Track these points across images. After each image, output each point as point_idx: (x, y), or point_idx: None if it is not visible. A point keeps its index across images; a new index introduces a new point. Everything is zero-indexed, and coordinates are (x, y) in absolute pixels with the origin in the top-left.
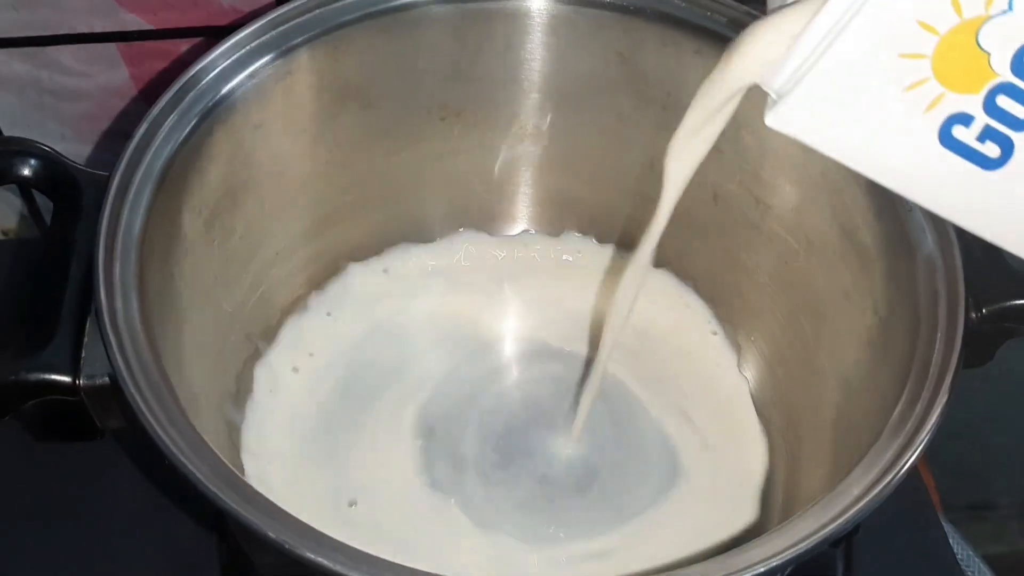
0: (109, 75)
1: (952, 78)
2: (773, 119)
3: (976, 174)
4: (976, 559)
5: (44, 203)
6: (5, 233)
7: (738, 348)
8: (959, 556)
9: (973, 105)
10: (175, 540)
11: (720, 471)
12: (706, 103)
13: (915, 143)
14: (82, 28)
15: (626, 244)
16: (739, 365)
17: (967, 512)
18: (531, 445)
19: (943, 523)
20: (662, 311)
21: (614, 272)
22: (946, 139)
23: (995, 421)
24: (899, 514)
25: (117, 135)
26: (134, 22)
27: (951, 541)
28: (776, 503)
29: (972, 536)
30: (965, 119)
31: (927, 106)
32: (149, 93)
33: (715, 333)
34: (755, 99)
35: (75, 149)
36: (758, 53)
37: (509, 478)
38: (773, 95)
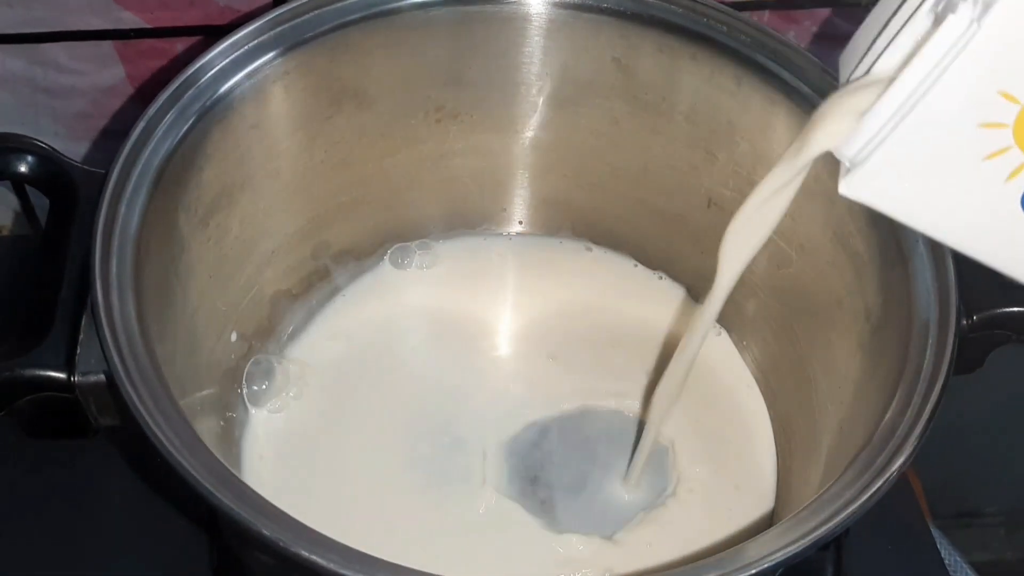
0: (105, 73)
1: None
2: (847, 187)
3: None
4: (964, 565)
5: (38, 199)
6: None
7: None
8: (947, 562)
9: None
10: (167, 540)
11: (724, 474)
12: (783, 174)
13: (996, 211)
14: (78, 25)
15: (620, 247)
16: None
17: (955, 519)
18: (523, 445)
19: (931, 530)
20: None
21: (609, 275)
22: None
23: (983, 428)
24: (888, 521)
25: (112, 134)
26: (131, 20)
27: (939, 548)
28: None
29: (959, 543)
30: None
31: (1009, 174)
32: (145, 92)
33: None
34: (756, 108)
35: (69, 147)
36: (833, 125)
37: (502, 479)
38: (847, 163)
